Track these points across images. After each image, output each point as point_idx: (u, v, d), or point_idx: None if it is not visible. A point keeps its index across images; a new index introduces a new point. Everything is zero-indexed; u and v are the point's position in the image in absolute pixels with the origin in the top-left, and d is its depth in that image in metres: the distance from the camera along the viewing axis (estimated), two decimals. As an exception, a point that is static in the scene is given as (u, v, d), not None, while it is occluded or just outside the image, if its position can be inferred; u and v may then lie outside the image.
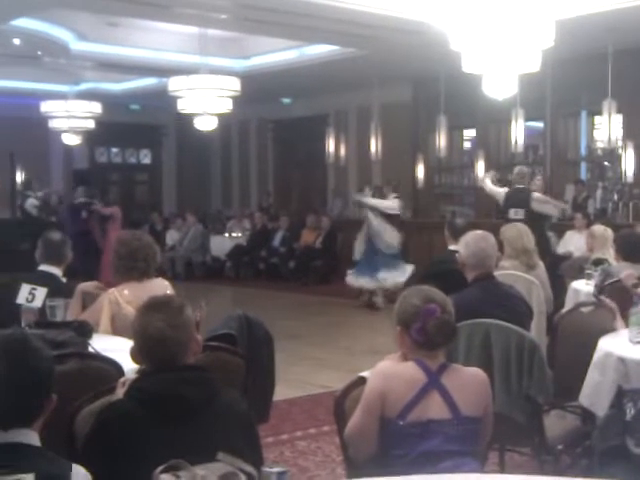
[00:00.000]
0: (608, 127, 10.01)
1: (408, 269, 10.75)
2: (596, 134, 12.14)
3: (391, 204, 11.02)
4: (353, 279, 10.99)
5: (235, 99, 10.99)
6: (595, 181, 12.03)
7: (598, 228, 6.81)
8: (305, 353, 8.03)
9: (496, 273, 4.36)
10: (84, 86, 14.60)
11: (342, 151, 14.51)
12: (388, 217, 10.89)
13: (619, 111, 10.25)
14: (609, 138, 10.02)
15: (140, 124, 17.17)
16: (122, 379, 2.64)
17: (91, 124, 13.58)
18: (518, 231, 5.96)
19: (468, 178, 13.85)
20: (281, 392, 4.64)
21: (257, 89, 12.44)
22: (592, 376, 3.69)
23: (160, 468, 2.05)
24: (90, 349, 3.42)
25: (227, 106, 11.03)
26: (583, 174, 12.54)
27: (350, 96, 14.38)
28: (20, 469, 1.95)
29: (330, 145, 14.25)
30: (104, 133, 15.34)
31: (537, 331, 4.78)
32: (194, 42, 11.13)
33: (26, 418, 2.06)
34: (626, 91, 10.48)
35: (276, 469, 2.18)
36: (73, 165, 16.81)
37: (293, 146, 16.73)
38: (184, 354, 2.50)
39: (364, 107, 14.12)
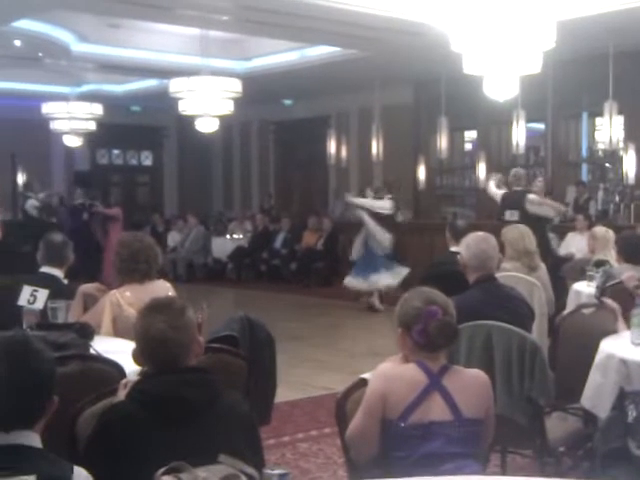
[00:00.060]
0: (609, 128, 10.00)
1: (402, 272, 10.74)
2: (597, 135, 12.14)
3: (382, 204, 10.96)
4: (349, 281, 11.00)
5: (236, 101, 10.99)
6: (596, 182, 12.03)
7: (599, 230, 6.80)
8: (307, 355, 8.03)
9: (497, 275, 4.36)
10: (85, 88, 14.62)
11: (343, 153, 14.51)
12: (380, 218, 10.86)
13: (620, 112, 10.25)
14: (610, 139, 10.02)
15: (141, 126, 17.18)
16: (124, 381, 2.64)
17: (92, 126, 13.59)
18: (520, 233, 5.95)
19: (469, 179, 13.85)
20: (282, 394, 4.63)
21: (258, 91, 12.44)
22: (594, 378, 3.69)
23: (161, 470, 2.05)
24: (92, 351, 3.42)
25: (228, 108, 11.03)
26: (584, 175, 12.54)
27: (351, 98, 14.39)
28: (22, 471, 1.95)
29: (331, 147, 14.25)
30: (105, 135, 15.37)
31: (539, 333, 4.77)
32: (195, 44, 11.15)
33: (28, 420, 2.06)
34: (627, 92, 10.48)
35: (277, 471, 2.18)
36: (74, 167, 16.82)
37: (294, 148, 16.73)
38: (186, 356, 2.50)
39: (365, 109, 14.12)
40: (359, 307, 11.04)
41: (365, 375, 2.91)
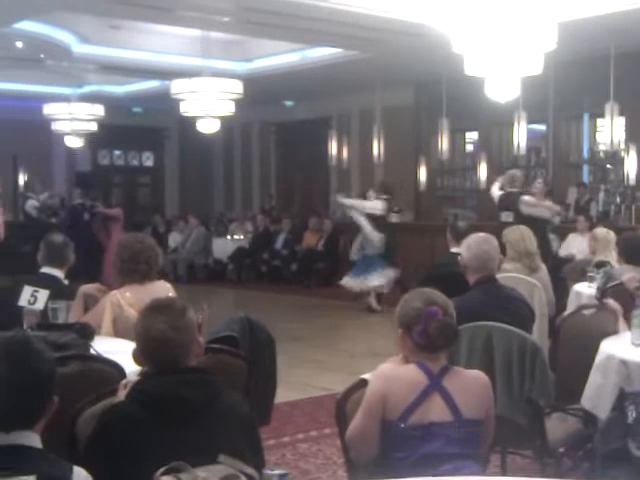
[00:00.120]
0: (610, 130, 10.00)
1: (389, 273, 10.75)
2: (598, 137, 12.13)
3: (373, 205, 10.97)
4: (345, 281, 11.04)
5: (238, 102, 11.00)
6: (597, 184, 12.03)
7: (600, 231, 6.80)
8: (307, 355, 8.03)
9: (498, 276, 4.36)
10: (87, 89, 14.63)
11: (344, 154, 14.51)
12: (372, 218, 10.87)
13: (621, 114, 10.25)
14: (611, 141, 10.01)
15: (143, 127, 17.19)
16: (124, 381, 2.64)
17: (94, 127, 13.60)
18: (520, 234, 5.96)
19: (470, 181, 13.84)
20: (283, 394, 4.63)
21: (260, 92, 12.45)
22: (594, 379, 3.69)
23: (161, 470, 2.05)
24: (92, 351, 3.42)
25: (230, 109, 11.04)
26: (585, 177, 12.53)
27: (353, 99, 14.39)
28: (21, 471, 1.95)
29: (333, 148, 14.25)
30: (107, 136, 15.39)
31: (539, 334, 4.77)
32: (197, 45, 11.16)
33: (28, 420, 2.07)
34: (628, 94, 10.48)
35: (277, 471, 2.19)
36: (75, 167, 16.84)
37: (296, 149, 16.73)
38: (186, 356, 2.50)
39: (366, 110, 14.12)
40: (359, 308, 11.04)
41: (365, 376, 2.91)
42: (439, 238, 8.63)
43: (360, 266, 11.02)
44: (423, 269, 6.21)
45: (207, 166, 18.26)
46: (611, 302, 4.30)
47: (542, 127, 12.77)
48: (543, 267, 6.01)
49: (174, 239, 15.75)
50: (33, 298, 4.03)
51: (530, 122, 11.36)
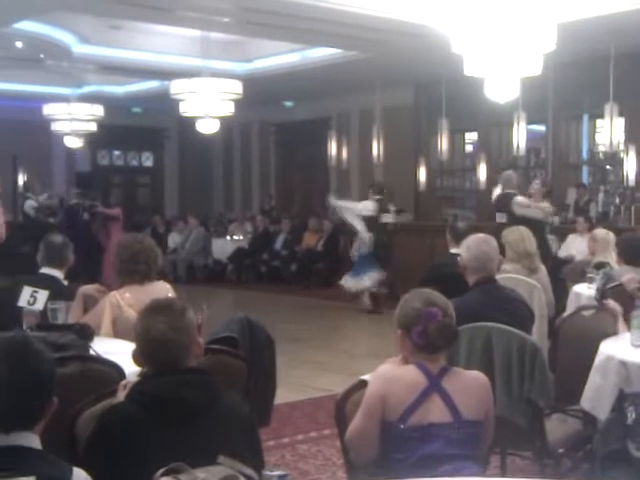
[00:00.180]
0: (610, 130, 9.99)
1: (374, 275, 10.78)
2: (598, 137, 12.13)
3: (364, 206, 11.00)
4: (344, 280, 11.08)
5: (237, 102, 10.99)
6: (597, 185, 12.02)
7: (600, 232, 6.80)
8: (306, 356, 8.03)
9: (498, 276, 4.36)
10: (86, 89, 14.63)
11: (344, 154, 14.51)
12: (364, 219, 10.91)
13: (621, 114, 10.25)
14: (611, 141, 10.01)
15: (142, 127, 17.19)
16: (123, 382, 2.64)
17: (93, 127, 13.60)
18: (520, 234, 5.96)
19: (470, 181, 13.84)
20: (282, 395, 4.63)
21: (259, 92, 12.44)
22: (593, 380, 3.69)
23: (161, 471, 2.05)
24: (91, 352, 3.42)
25: (229, 109, 11.03)
26: (585, 178, 12.53)
27: (352, 99, 14.39)
28: (21, 472, 1.95)
29: (332, 148, 14.24)
30: (106, 136, 15.38)
31: (539, 335, 4.78)
32: (196, 45, 11.15)
33: (27, 421, 2.06)
34: (628, 94, 10.48)
35: (277, 472, 2.19)
36: (75, 168, 16.83)
37: (295, 149, 16.73)
38: (186, 357, 2.50)
39: (366, 110, 14.12)
40: (359, 308, 11.05)
41: (365, 377, 2.91)
42: (438, 239, 8.63)
43: (357, 266, 11.06)
44: (422, 269, 6.20)
45: (207, 166, 18.26)
46: (612, 303, 4.30)
47: (542, 128, 12.77)
48: (543, 268, 6.01)
49: (173, 239, 15.75)
50: (33, 299, 4.03)
51: (530, 123, 11.36)
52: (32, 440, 2.05)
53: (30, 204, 13.66)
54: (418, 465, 2.63)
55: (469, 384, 2.79)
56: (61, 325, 3.85)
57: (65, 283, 4.69)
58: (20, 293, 4.07)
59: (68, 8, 9.62)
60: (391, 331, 2.91)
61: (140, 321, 2.54)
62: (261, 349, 3.97)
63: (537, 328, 4.67)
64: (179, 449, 2.27)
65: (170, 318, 2.49)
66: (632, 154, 10.55)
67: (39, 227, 12.05)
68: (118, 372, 3.06)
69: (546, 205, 9.35)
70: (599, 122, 11.57)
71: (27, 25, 10.27)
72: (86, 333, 3.68)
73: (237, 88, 10.56)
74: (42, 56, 11.99)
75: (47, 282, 4.42)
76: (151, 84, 14.21)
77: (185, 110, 11.09)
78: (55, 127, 13.60)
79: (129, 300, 4.10)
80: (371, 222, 10.90)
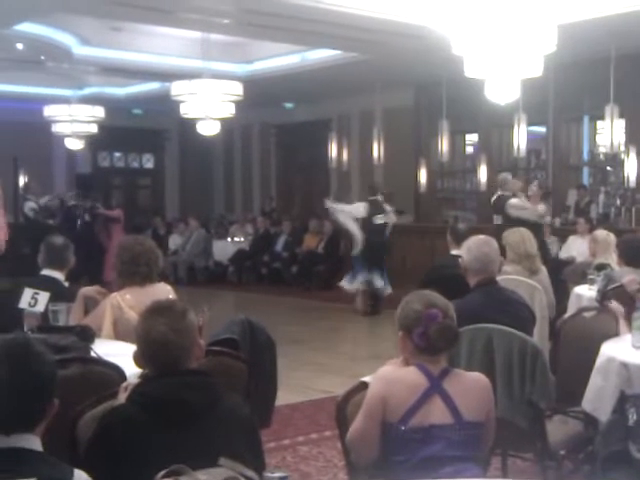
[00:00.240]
0: (610, 132, 10.00)
1: (363, 277, 10.81)
2: (598, 139, 12.14)
3: (354, 209, 11.05)
4: (342, 283, 11.16)
5: (238, 104, 10.99)
6: (597, 186, 12.03)
7: (601, 233, 6.79)
8: (307, 358, 8.03)
9: (498, 278, 4.36)
10: (87, 91, 14.64)
11: (345, 156, 14.51)
12: (357, 221, 10.98)
13: (621, 116, 10.25)
14: (611, 143, 10.01)
15: (143, 128, 17.20)
16: (124, 384, 2.64)
17: (94, 128, 13.59)
18: (521, 236, 5.96)
19: (470, 183, 13.85)
20: (283, 397, 4.63)
21: (260, 94, 12.45)
22: (594, 381, 3.68)
23: (161, 473, 2.05)
24: (92, 354, 3.42)
25: (230, 111, 11.03)
26: (585, 179, 12.54)
27: (352, 101, 14.39)
28: (22, 474, 1.95)
29: (333, 150, 14.24)
30: (107, 137, 15.37)
31: (540, 336, 4.77)
32: (197, 47, 11.16)
33: (28, 423, 2.06)
34: (628, 96, 10.48)
35: (278, 474, 2.18)
36: (76, 169, 16.84)
37: (296, 151, 16.74)
38: (187, 358, 2.50)
39: (366, 112, 14.12)
40: (355, 310, 11.06)
41: (365, 378, 2.91)
42: (439, 240, 8.64)
43: (354, 268, 11.14)
44: (423, 271, 6.20)
45: (207, 168, 18.26)
46: (615, 304, 4.30)
47: (542, 129, 12.77)
48: (543, 269, 6.01)
49: (174, 241, 15.75)
50: (33, 300, 4.03)
51: (530, 124, 11.36)
52: (33, 442, 2.05)
53: (30, 206, 13.66)
54: (419, 467, 2.63)
55: (470, 386, 2.79)
56: (62, 327, 3.85)
57: (66, 285, 4.69)
58: (21, 295, 4.06)
59: (69, 10, 9.61)
60: (392, 333, 2.90)
61: (141, 323, 2.54)
62: (262, 351, 3.97)
63: (538, 330, 4.66)
64: (180, 451, 2.27)
65: (171, 320, 2.49)
66: (633, 155, 10.55)
67: (39, 229, 12.06)
68: (119, 374, 3.06)
69: (539, 207, 9.36)
70: (600, 123, 11.57)
71: (28, 27, 10.27)
72: (87, 335, 3.68)
73: (238, 90, 10.57)
74: (43, 58, 11.99)
75: (48, 284, 4.41)
76: (152, 86, 14.21)
77: (186, 112, 11.09)
78: (56, 129, 13.59)
79: (130, 302, 4.10)
80: (364, 223, 10.94)
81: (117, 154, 18.26)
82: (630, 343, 3.75)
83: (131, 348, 2.63)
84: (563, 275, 7.66)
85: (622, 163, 10.93)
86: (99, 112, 13.14)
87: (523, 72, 6.06)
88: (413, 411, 2.67)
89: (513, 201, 9.26)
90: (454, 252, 5.67)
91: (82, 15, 10.31)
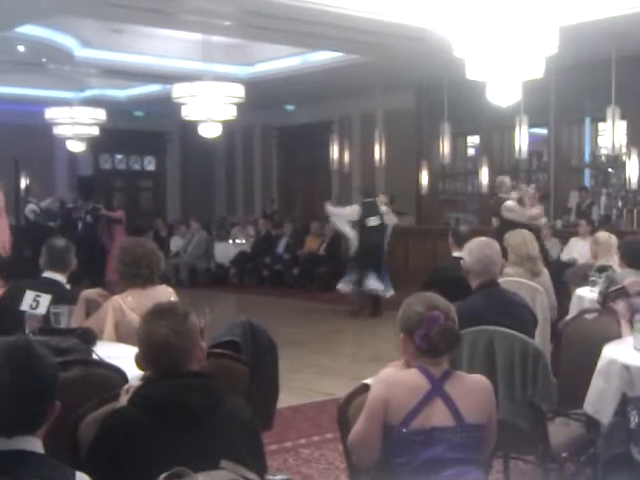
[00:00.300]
0: (612, 134, 10.00)
1: (353, 279, 10.90)
2: (600, 141, 12.14)
3: (346, 212, 11.10)
4: (339, 286, 11.22)
5: (239, 106, 11.00)
6: (599, 188, 12.03)
7: (602, 235, 6.79)
8: (309, 360, 8.02)
9: (500, 280, 4.36)
10: (88, 93, 14.65)
11: (346, 158, 14.51)
12: (352, 223, 11.04)
13: (623, 117, 10.25)
14: (613, 145, 10.01)
15: (144, 131, 17.21)
16: (126, 386, 2.64)
17: (95, 131, 13.61)
18: (522, 238, 5.96)
19: (472, 185, 13.85)
20: (285, 399, 4.62)
21: (261, 96, 12.46)
22: (596, 383, 3.68)
23: (163, 475, 2.05)
24: (94, 356, 3.42)
25: (231, 113, 11.05)
26: (587, 181, 12.54)
27: (354, 103, 14.40)
28: (23, 477, 1.95)
29: (334, 152, 14.25)
30: (108, 140, 15.39)
31: (541, 338, 4.77)
32: (198, 49, 11.17)
33: (30, 425, 2.06)
34: (630, 97, 10.48)
35: (279, 477, 2.19)
36: (77, 172, 16.85)
37: (297, 153, 16.74)
38: (188, 361, 2.50)
39: (368, 114, 14.12)
40: (351, 311, 11.06)
41: (367, 380, 2.91)
42: (441, 242, 8.64)
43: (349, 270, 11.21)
44: (425, 273, 6.20)
45: (209, 170, 18.27)
46: (620, 306, 4.29)
47: (543, 131, 12.77)
48: (545, 271, 6.02)
49: (176, 243, 15.75)
50: (35, 303, 4.04)
51: (531, 126, 11.36)
52: (34, 444, 2.05)
53: (31, 208, 13.67)
54: (421, 469, 2.63)
55: (472, 388, 2.79)
56: (64, 329, 3.85)
57: (68, 287, 4.69)
58: (22, 297, 4.07)
59: (70, 12, 9.63)
60: (393, 335, 2.90)
61: (142, 325, 2.54)
62: (263, 353, 3.97)
63: (540, 331, 4.66)
64: (181, 453, 2.27)
65: (172, 322, 2.49)
66: (634, 157, 10.54)
67: (40, 231, 12.07)
68: (121, 376, 3.05)
69: (533, 210, 9.35)
70: (601, 125, 11.57)
71: (29, 29, 10.29)
72: (88, 337, 3.68)
73: (239, 92, 10.58)
74: (44, 60, 12.01)
75: (49, 286, 4.42)
76: (153, 88, 14.22)
77: (187, 114, 11.11)
78: (57, 131, 13.61)
79: (131, 304, 4.10)
80: (357, 226, 10.98)
81: (118, 156, 18.27)
82: (632, 345, 3.75)
83: (133, 350, 2.63)
84: (565, 277, 7.65)
85: (623, 165, 10.93)
86: (100, 114, 13.16)
87: (524, 74, 6.07)
88: (415, 413, 2.67)
89: (507, 204, 9.32)
90: (456, 254, 5.67)
91: (83, 17, 10.32)
